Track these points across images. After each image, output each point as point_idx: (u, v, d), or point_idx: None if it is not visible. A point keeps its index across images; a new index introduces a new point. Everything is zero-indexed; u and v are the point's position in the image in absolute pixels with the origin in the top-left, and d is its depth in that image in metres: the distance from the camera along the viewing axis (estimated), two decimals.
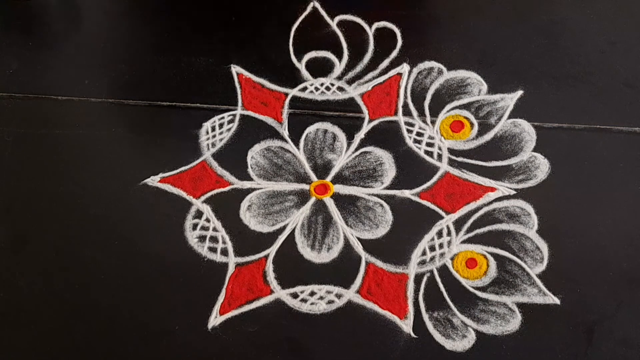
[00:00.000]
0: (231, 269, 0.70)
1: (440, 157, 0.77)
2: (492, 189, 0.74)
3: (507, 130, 0.79)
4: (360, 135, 0.78)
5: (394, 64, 0.84)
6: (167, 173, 0.76)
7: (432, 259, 0.70)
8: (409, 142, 0.78)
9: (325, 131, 0.79)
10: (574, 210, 0.73)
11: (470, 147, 0.78)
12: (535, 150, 0.77)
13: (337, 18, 0.87)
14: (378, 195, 0.75)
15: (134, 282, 0.70)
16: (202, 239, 0.72)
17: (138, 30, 0.88)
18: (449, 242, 0.71)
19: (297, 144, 0.78)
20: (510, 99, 0.81)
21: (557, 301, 0.68)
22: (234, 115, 0.80)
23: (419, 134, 0.79)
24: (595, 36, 0.86)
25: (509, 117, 0.79)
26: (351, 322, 0.67)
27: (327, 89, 0.82)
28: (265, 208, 0.74)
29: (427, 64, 0.84)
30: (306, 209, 0.74)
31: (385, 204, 0.74)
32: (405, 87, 0.82)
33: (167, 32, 0.87)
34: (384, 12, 0.87)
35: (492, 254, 0.71)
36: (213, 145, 0.78)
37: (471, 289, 0.69)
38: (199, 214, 0.73)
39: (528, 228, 0.72)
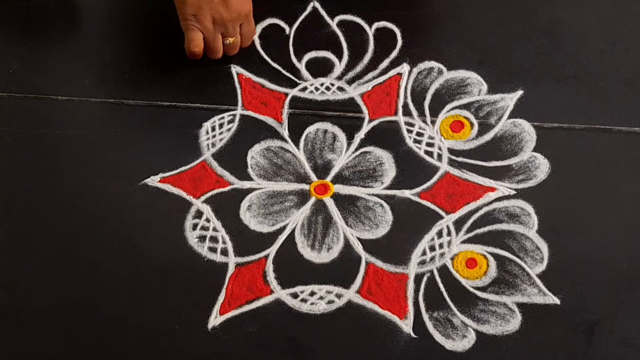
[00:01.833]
0: (231, 269, 0.70)
1: (440, 157, 0.77)
2: (492, 189, 0.74)
3: (507, 130, 0.79)
4: (360, 135, 0.79)
5: (394, 64, 0.84)
6: (167, 173, 0.76)
7: (432, 259, 0.70)
8: (409, 142, 0.78)
9: (325, 131, 0.79)
10: (574, 210, 0.73)
11: (470, 147, 0.78)
12: (535, 150, 0.77)
13: (337, 18, 0.87)
14: (378, 195, 0.75)
15: (134, 282, 0.70)
16: (202, 239, 0.72)
17: (138, 30, 0.88)
18: (449, 242, 0.71)
19: (297, 144, 0.78)
20: (510, 99, 0.81)
21: (557, 301, 0.68)
22: (234, 115, 0.80)
23: (419, 134, 0.79)
24: (595, 36, 0.86)
25: (509, 117, 0.79)
26: (351, 322, 0.67)
27: (327, 89, 0.82)
28: (265, 208, 0.74)
29: (427, 64, 0.84)
30: (306, 209, 0.74)
31: (385, 204, 0.74)
32: (405, 87, 0.82)
33: (167, 32, 0.87)
34: (384, 12, 0.88)
35: (492, 254, 0.71)
36: (213, 145, 0.78)
37: (471, 289, 0.69)
38: (199, 214, 0.73)
39: (528, 228, 0.72)
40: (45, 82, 0.83)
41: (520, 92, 0.81)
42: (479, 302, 0.68)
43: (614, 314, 0.67)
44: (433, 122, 0.79)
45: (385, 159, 0.77)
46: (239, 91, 0.82)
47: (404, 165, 0.77)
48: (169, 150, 0.78)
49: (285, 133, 0.79)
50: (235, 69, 0.83)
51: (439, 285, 0.69)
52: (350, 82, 0.83)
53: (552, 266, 0.70)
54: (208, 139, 0.79)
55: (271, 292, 0.69)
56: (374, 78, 0.83)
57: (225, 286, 0.69)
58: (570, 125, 0.79)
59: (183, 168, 0.77)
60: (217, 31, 0.78)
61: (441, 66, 0.83)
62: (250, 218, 0.73)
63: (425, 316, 0.67)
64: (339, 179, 0.76)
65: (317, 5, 0.88)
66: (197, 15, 0.76)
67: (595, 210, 0.73)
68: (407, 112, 0.80)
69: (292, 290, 0.69)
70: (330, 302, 0.68)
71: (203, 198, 0.75)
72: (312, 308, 0.68)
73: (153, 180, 0.76)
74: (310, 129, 0.79)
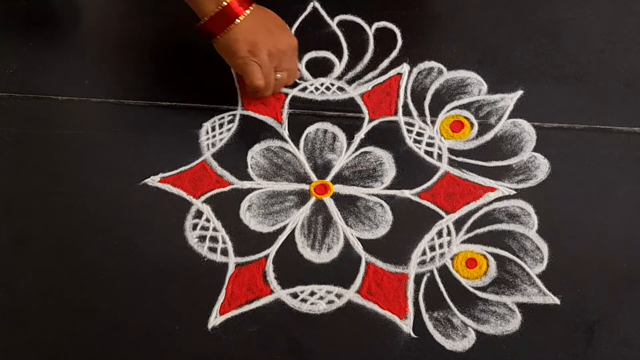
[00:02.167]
0: (231, 269, 0.70)
1: (440, 157, 0.77)
2: (492, 189, 0.74)
3: (507, 130, 0.79)
4: (360, 135, 0.79)
5: (394, 64, 0.84)
6: (167, 173, 0.76)
7: (432, 259, 0.70)
8: (409, 142, 0.78)
9: (325, 131, 0.79)
10: (574, 210, 0.73)
11: (470, 147, 0.78)
12: (535, 150, 0.77)
13: (337, 18, 0.87)
14: (378, 195, 0.75)
15: (134, 282, 0.70)
16: (202, 239, 0.72)
17: (138, 30, 0.88)
18: (449, 242, 0.71)
19: (297, 144, 0.78)
20: (510, 99, 0.81)
21: (557, 301, 0.68)
22: (234, 115, 0.80)
23: (419, 134, 0.79)
24: (595, 36, 0.86)
25: (509, 117, 0.79)
26: (351, 322, 0.67)
27: (327, 89, 0.82)
28: (265, 208, 0.74)
29: (427, 64, 0.84)
30: (306, 209, 0.74)
31: (385, 204, 0.74)
32: (405, 87, 0.82)
33: (167, 32, 0.87)
34: (384, 12, 0.88)
35: (492, 254, 0.71)
36: (213, 145, 0.78)
37: (471, 289, 0.69)
38: (199, 214, 0.73)
39: (528, 228, 0.72)
40: (45, 82, 0.83)
41: (520, 92, 0.81)
42: (479, 302, 0.68)
43: (614, 314, 0.67)
44: (433, 122, 0.79)
45: (385, 159, 0.77)
46: (239, 91, 0.82)
47: (404, 165, 0.77)
48: (169, 150, 0.78)
49: (285, 133, 0.79)
50: None
51: (439, 285, 0.69)
52: (350, 82, 0.83)
53: (552, 266, 0.70)
54: (208, 139, 0.79)
55: (271, 292, 0.69)
56: (374, 78, 0.83)
57: (225, 286, 0.69)
58: (570, 125, 0.79)
59: (183, 168, 0.77)
60: (272, 64, 0.76)
61: (441, 66, 0.83)
62: (250, 218, 0.73)
63: (425, 316, 0.67)
64: (339, 179, 0.76)
65: (317, 5, 0.88)
66: (253, 51, 0.74)
67: (595, 210, 0.73)
68: (407, 112, 0.80)
69: (292, 290, 0.69)
70: (330, 302, 0.68)
71: (203, 198, 0.75)
72: (312, 308, 0.68)
73: (153, 180, 0.76)
74: (310, 129, 0.79)
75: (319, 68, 0.84)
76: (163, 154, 0.77)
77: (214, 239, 0.72)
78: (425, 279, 0.69)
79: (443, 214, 0.73)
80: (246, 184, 0.76)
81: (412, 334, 0.66)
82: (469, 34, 0.86)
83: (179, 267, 0.70)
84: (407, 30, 0.85)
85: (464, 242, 0.71)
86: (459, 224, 0.73)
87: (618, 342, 0.66)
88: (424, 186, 0.75)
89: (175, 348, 0.66)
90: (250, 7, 0.74)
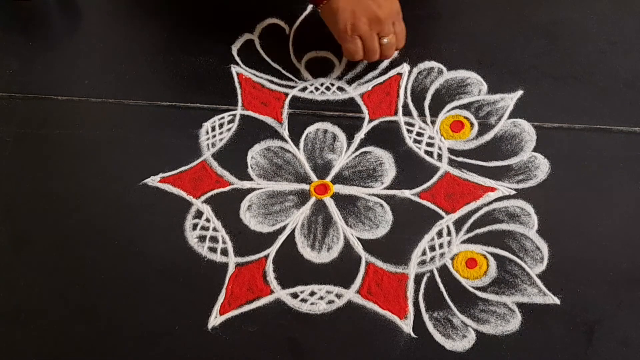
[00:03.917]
0: (231, 269, 0.70)
1: (440, 157, 0.77)
2: (492, 189, 0.74)
3: (507, 130, 0.79)
4: (360, 135, 0.79)
5: (394, 64, 0.84)
6: (167, 173, 0.76)
7: (432, 259, 0.70)
8: (409, 142, 0.78)
9: (325, 131, 0.79)
10: (574, 210, 0.73)
11: (470, 147, 0.78)
12: (535, 150, 0.77)
13: None
14: (378, 195, 0.75)
15: (134, 282, 0.70)
16: (202, 239, 0.72)
17: (138, 30, 0.88)
18: (449, 242, 0.71)
19: (297, 144, 0.78)
20: (510, 99, 0.81)
21: (557, 301, 0.68)
22: (234, 115, 0.80)
23: (419, 134, 0.79)
24: (595, 36, 0.86)
25: (509, 117, 0.79)
26: (351, 322, 0.67)
27: (327, 89, 0.82)
28: (265, 208, 0.74)
29: (427, 64, 0.84)
30: (306, 209, 0.74)
31: (385, 204, 0.74)
32: (405, 87, 0.82)
33: (167, 32, 0.87)
34: None
35: (492, 254, 0.71)
36: (213, 145, 0.78)
37: (471, 289, 0.69)
38: (199, 214, 0.73)
39: (528, 228, 0.72)
40: (45, 82, 0.83)
41: (520, 92, 0.81)
42: (479, 302, 0.68)
43: (614, 314, 0.67)
44: (433, 122, 0.79)
45: (385, 159, 0.77)
46: (239, 91, 0.82)
47: (404, 165, 0.77)
48: (169, 150, 0.78)
49: (285, 133, 0.79)
50: (235, 69, 0.83)
51: (439, 285, 0.69)
52: (350, 82, 0.83)
53: (552, 266, 0.70)
54: (208, 139, 0.79)
55: (271, 292, 0.69)
56: (374, 78, 0.83)
57: (225, 286, 0.69)
58: (570, 125, 0.79)
59: (183, 168, 0.77)
60: (374, 31, 0.77)
61: (441, 66, 0.83)
62: (250, 218, 0.73)
63: (425, 316, 0.67)
64: (339, 179, 0.76)
65: None
66: (354, 22, 0.76)
67: (595, 210, 0.73)
68: (407, 112, 0.80)
69: (292, 290, 0.69)
70: (330, 302, 0.68)
71: (203, 198, 0.75)
72: (312, 308, 0.68)
73: (153, 180, 0.76)
74: (310, 129, 0.79)
75: (319, 68, 0.84)
76: (163, 154, 0.77)
77: (214, 239, 0.72)
78: (425, 279, 0.69)
79: (443, 214, 0.73)
80: (246, 184, 0.76)
81: (412, 334, 0.66)
82: (469, 34, 0.86)
83: (179, 267, 0.70)
84: (407, 30, 0.85)
85: (464, 242, 0.71)
86: (459, 224, 0.73)
87: (618, 342, 0.66)
88: (424, 186, 0.75)
89: (175, 348, 0.66)
90: None
